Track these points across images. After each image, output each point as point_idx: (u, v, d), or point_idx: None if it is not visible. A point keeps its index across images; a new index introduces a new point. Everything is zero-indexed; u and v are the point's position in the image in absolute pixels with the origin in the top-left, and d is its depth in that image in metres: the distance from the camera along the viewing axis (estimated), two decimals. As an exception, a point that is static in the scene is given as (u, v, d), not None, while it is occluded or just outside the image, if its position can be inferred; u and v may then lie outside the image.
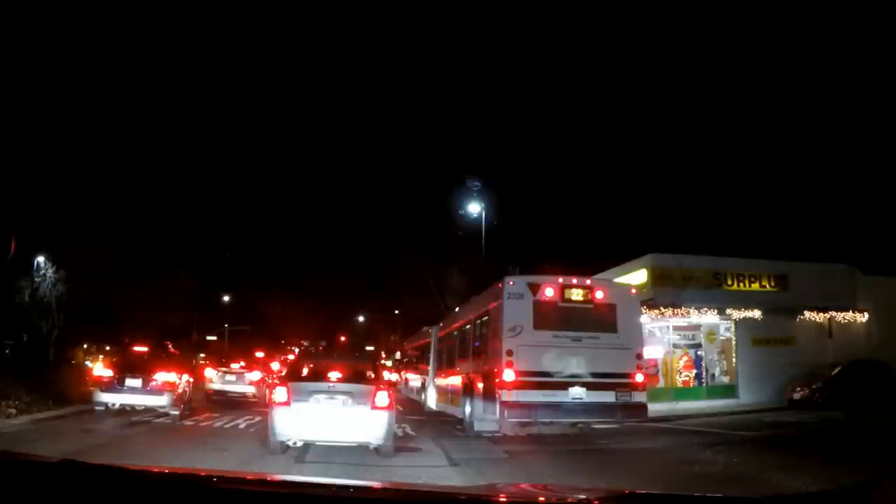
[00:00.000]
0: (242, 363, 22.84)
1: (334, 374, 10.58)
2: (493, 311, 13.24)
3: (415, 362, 26.21)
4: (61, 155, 29.20)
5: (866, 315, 21.96)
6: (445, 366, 18.42)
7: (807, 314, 21.50)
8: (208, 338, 55.02)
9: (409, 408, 20.24)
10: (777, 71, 45.54)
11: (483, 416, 12.99)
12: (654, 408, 14.92)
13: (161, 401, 14.10)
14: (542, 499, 2.64)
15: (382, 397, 9.59)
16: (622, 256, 23.53)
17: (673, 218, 34.03)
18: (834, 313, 21.69)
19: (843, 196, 30.17)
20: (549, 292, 12.58)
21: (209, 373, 22.68)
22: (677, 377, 21.96)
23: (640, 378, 12.52)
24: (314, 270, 61.85)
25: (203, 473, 2.39)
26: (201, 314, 48.38)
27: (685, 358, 22.20)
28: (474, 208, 27.08)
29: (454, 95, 66.43)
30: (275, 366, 28.52)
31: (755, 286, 22.10)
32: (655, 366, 20.58)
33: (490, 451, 11.30)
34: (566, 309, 12.59)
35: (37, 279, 30.36)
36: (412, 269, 36.49)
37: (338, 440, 9.70)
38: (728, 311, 21.15)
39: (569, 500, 2.57)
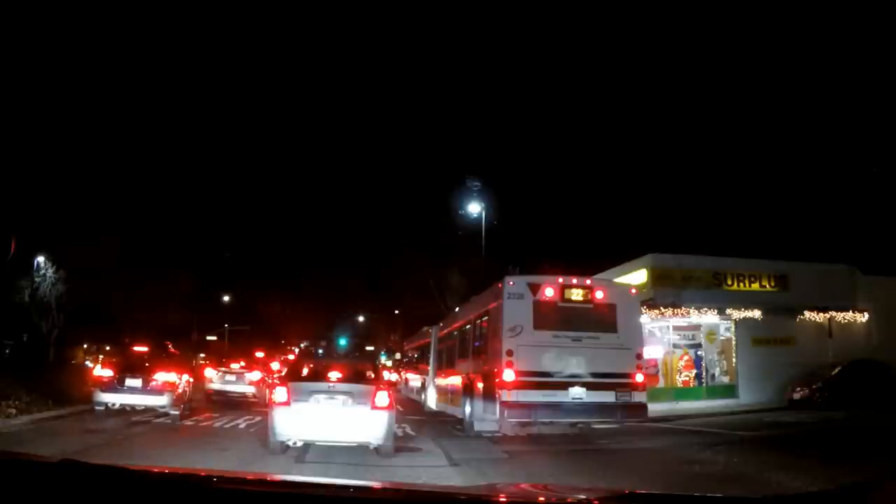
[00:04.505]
0: (242, 363, 22.82)
1: (334, 374, 10.59)
2: (493, 311, 13.24)
3: (415, 362, 26.22)
4: (61, 155, 29.19)
5: (866, 315, 21.97)
6: (445, 366, 18.42)
7: (807, 314, 21.51)
8: (208, 338, 54.97)
9: (409, 408, 20.25)
10: (777, 71, 45.58)
11: (483, 416, 12.99)
12: (654, 408, 14.92)
13: (161, 401, 14.11)
14: (542, 499, 2.64)
15: (382, 397, 9.59)
16: (622, 256, 23.56)
17: (673, 218, 34.08)
18: (834, 313, 21.69)
19: (843, 196, 30.21)
20: (549, 292, 12.58)
21: (209, 373, 22.67)
22: (677, 377, 21.96)
23: (640, 378, 12.52)
24: (314, 270, 61.78)
25: (203, 473, 2.39)
26: (201, 314, 48.36)
27: (685, 358, 22.20)
28: (474, 208, 27.07)
29: (454, 95, 66.48)
30: (275, 366, 28.51)
31: (755, 286, 22.10)
32: (655, 366, 20.58)
33: (490, 451, 11.30)
34: (566, 309, 12.58)
35: (37, 279, 30.33)
36: (412, 269, 36.52)
37: (338, 440, 9.70)
38: (728, 311, 21.15)
39: (569, 500, 2.57)
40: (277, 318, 58.92)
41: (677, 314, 20.71)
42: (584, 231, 34.68)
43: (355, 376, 10.75)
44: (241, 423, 14.02)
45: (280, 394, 9.65)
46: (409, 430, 13.83)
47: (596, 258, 24.67)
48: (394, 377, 32.62)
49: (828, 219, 29.60)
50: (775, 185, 34.30)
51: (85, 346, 43.67)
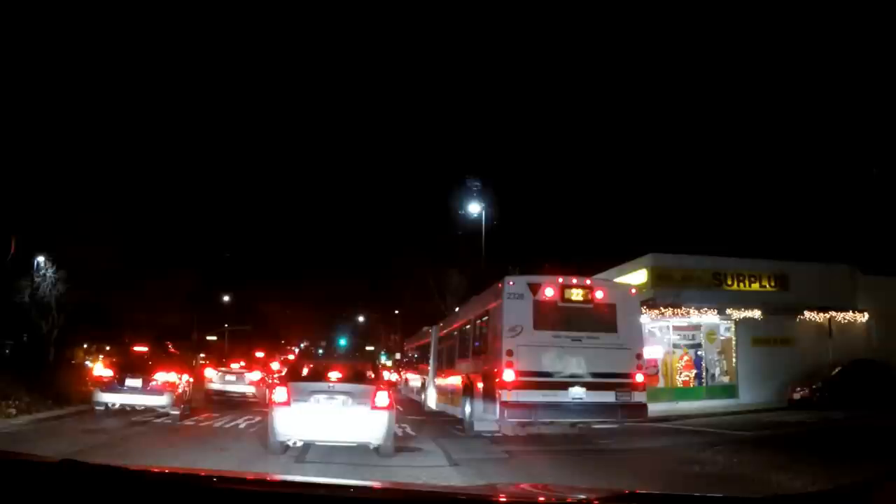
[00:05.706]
0: (242, 363, 22.83)
1: (334, 374, 10.59)
2: (493, 311, 13.23)
3: (415, 362, 26.21)
4: (61, 155, 29.23)
5: (866, 315, 21.98)
6: (445, 366, 18.41)
7: (807, 314, 21.52)
8: (208, 338, 54.99)
9: (409, 408, 20.23)
10: (777, 70, 45.57)
11: (483, 416, 12.97)
12: (654, 408, 14.90)
13: (161, 401, 14.09)
14: (542, 499, 2.64)
15: (382, 397, 9.59)
16: (622, 256, 23.57)
17: (673, 218, 34.06)
18: (834, 313, 21.71)
19: (843, 196, 30.17)
20: (549, 292, 12.57)
21: (209, 373, 22.67)
22: (677, 377, 21.96)
23: (640, 378, 12.51)
24: (315, 270, 61.89)
25: (203, 473, 2.39)
26: (201, 314, 48.43)
27: (685, 358, 22.20)
28: (474, 208, 27.08)
29: (454, 95, 66.52)
30: (275, 366, 28.52)
31: (755, 286, 22.11)
32: (655, 366, 20.59)
33: (490, 451, 11.29)
34: (566, 309, 12.57)
35: (37, 279, 30.37)
36: (412, 269, 36.58)
37: (338, 440, 9.70)
38: (728, 311, 21.16)
39: (569, 500, 2.57)
40: (277, 318, 59.05)
41: (677, 314, 20.72)
42: (584, 231, 34.71)
43: (355, 376, 10.76)
44: (241, 423, 14.01)
45: (280, 394, 9.65)
46: (409, 430, 13.82)
47: (596, 258, 24.71)
48: (394, 377, 32.65)
49: (828, 219, 29.58)
50: (775, 185, 34.29)
51: (85, 346, 43.64)
